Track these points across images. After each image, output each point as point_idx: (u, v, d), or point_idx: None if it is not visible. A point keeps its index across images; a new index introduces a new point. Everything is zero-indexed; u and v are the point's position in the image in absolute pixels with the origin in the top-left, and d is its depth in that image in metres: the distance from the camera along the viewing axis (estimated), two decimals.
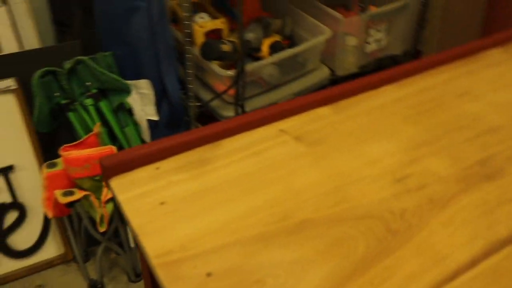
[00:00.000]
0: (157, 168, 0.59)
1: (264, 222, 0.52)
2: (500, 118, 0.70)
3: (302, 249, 0.50)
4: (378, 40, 1.73)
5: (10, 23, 1.49)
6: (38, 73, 1.33)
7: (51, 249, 1.54)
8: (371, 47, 1.72)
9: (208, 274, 0.47)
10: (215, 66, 1.42)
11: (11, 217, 1.48)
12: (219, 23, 1.57)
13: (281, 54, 1.45)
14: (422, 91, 0.76)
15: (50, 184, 1.27)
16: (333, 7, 1.70)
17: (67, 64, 1.34)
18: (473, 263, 0.49)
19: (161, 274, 0.47)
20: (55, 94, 1.35)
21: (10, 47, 1.49)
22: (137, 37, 1.45)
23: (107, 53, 1.42)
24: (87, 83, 1.34)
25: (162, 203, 0.54)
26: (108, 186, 0.57)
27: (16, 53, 1.45)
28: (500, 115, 0.71)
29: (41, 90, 1.33)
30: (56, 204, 1.24)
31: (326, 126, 0.67)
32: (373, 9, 1.73)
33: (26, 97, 1.39)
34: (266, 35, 1.59)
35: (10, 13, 1.46)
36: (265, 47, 1.51)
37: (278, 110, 0.68)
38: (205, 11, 1.69)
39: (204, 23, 1.56)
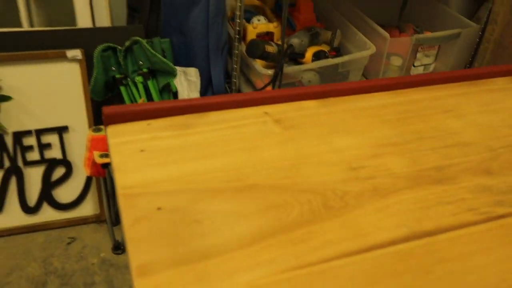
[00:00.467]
0: (148, 124, 0.69)
1: (218, 180, 0.61)
2: (472, 136, 0.74)
3: (242, 205, 0.58)
4: (425, 65, 1.75)
5: (88, 1, 1.67)
6: (101, 47, 1.50)
7: (88, 208, 1.70)
8: (417, 70, 1.75)
9: (158, 208, 0.56)
10: (256, 64, 1.52)
11: (59, 172, 1.65)
12: (272, 27, 1.68)
13: (320, 62, 1.53)
14: (411, 102, 0.81)
15: (92, 146, 1.42)
16: (386, 27, 1.75)
17: (126, 43, 1.49)
18: (389, 244, 0.55)
19: (121, 201, 0.57)
20: (112, 68, 1.51)
21: (84, 22, 1.68)
22: (193, 29, 1.58)
23: (164, 39, 1.56)
24: (140, 62, 1.49)
25: (142, 151, 0.64)
26: (105, 131, 0.68)
27: (87, 28, 1.63)
28: (474, 134, 0.75)
29: (100, 63, 1.50)
30: (93, 164, 1.39)
31: (306, 116, 0.75)
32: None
33: (88, 68, 1.56)
34: (314, 43, 1.67)
35: None
36: (309, 54, 1.60)
37: (270, 95, 0.77)
38: (264, 15, 1.80)
39: (258, 25, 1.67)
